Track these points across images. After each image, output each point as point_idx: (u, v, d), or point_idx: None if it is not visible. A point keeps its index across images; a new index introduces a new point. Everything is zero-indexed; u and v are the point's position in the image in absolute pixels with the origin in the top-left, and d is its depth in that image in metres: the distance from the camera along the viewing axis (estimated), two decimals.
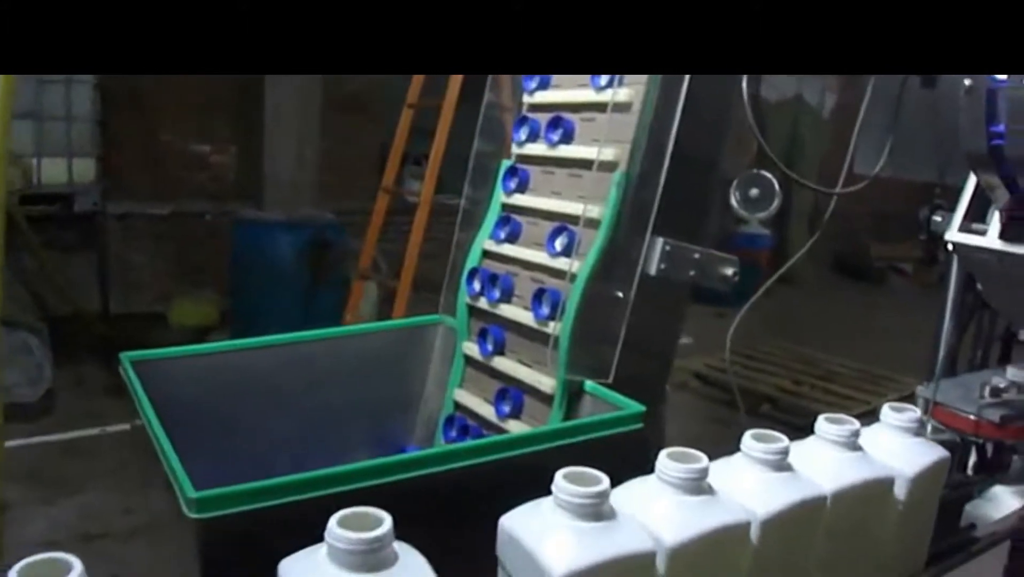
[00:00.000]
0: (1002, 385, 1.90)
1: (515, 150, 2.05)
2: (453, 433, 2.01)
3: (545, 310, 1.81)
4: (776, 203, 1.88)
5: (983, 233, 1.58)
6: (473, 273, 2.02)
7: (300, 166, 7.22)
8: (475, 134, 2.10)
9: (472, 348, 2.01)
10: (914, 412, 1.43)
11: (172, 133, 7.05)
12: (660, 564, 1.03)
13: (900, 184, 2.73)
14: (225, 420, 1.90)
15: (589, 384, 1.73)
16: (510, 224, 1.99)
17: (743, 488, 1.16)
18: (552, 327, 1.77)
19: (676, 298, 1.89)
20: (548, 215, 1.92)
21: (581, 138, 1.90)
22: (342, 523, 0.91)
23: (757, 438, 1.20)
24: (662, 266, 1.73)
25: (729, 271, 1.86)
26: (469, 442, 1.71)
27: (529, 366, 1.87)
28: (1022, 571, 1.59)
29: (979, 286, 1.94)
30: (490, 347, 1.94)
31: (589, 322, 1.73)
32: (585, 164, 1.84)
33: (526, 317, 1.86)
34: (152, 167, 6.93)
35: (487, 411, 1.94)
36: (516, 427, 1.85)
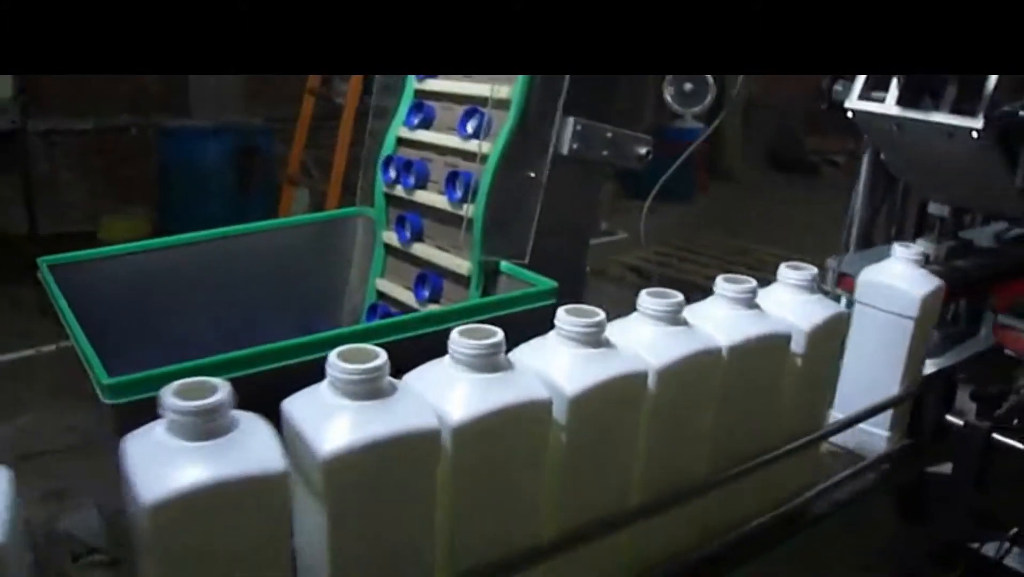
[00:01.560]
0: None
1: None
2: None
3: (458, 193, 1.82)
4: (710, 98, 1.90)
5: (882, 101, 1.62)
6: (388, 161, 2.02)
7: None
8: None
9: (391, 236, 2.02)
10: (810, 270, 1.47)
11: None
12: (560, 415, 1.07)
13: None
14: (148, 320, 1.90)
15: (505, 264, 1.75)
16: (423, 110, 1.99)
17: (640, 342, 1.19)
18: (465, 209, 1.79)
19: (591, 179, 1.90)
20: (460, 99, 1.91)
21: None
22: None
23: (652, 295, 1.23)
24: (574, 146, 1.74)
25: (643, 150, 1.87)
26: (380, 321, 1.72)
27: (446, 250, 1.89)
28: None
29: (882, 156, 1.99)
30: (408, 234, 1.95)
31: (502, 203, 1.75)
32: None
33: (441, 201, 1.87)
34: (73, 81, 6.72)
35: (408, 297, 1.96)
36: None
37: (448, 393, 1.01)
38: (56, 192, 6.64)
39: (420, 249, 1.95)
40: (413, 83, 2.03)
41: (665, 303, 1.22)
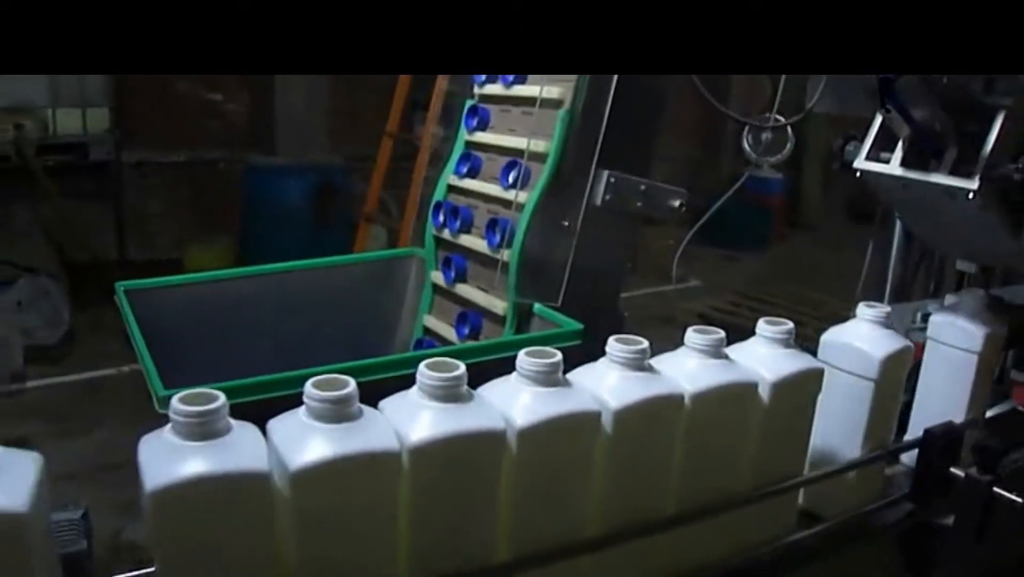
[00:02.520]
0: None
1: (476, 90, 2.18)
2: None
3: (497, 238, 1.94)
4: (789, 147, 1.94)
5: (887, 162, 1.68)
6: (438, 206, 2.17)
7: (312, 112, 7.33)
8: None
9: (438, 276, 2.16)
10: (786, 324, 1.51)
11: (185, 82, 7.17)
12: (512, 444, 1.17)
13: None
14: (215, 343, 2.05)
15: (538, 306, 1.87)
16: (471, 160, 2.13)
17: (602, 385, 1.28)
18: (502, 253, 1.92)
19: (624, 228, 1.98)
20: (503, 150, 2.05)
21: (534, 78, 2.02)
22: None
23: (619, 340, 1.32)
24: (607, 197, 1.85)
25: (676, 202, 1.95)
26: (415, 352, 1.84)
27: (485, 291, 2.02)
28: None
29: (896, 214, 2.05)
30: (452, 275, 2.09)
31: (537, 249, 1.87)
32: (540, 102, 1.96)
33: (481, 245, 2.01)
34: (166, 116, 7.06)
35: (450, 333, 2.09)
36: None
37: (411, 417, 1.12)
38: (146, 221, 6.96)
39: (463, 289, 2.08)
40: (464, 135, 2.17)
41: (630, 349, 1.29)
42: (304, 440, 1.04)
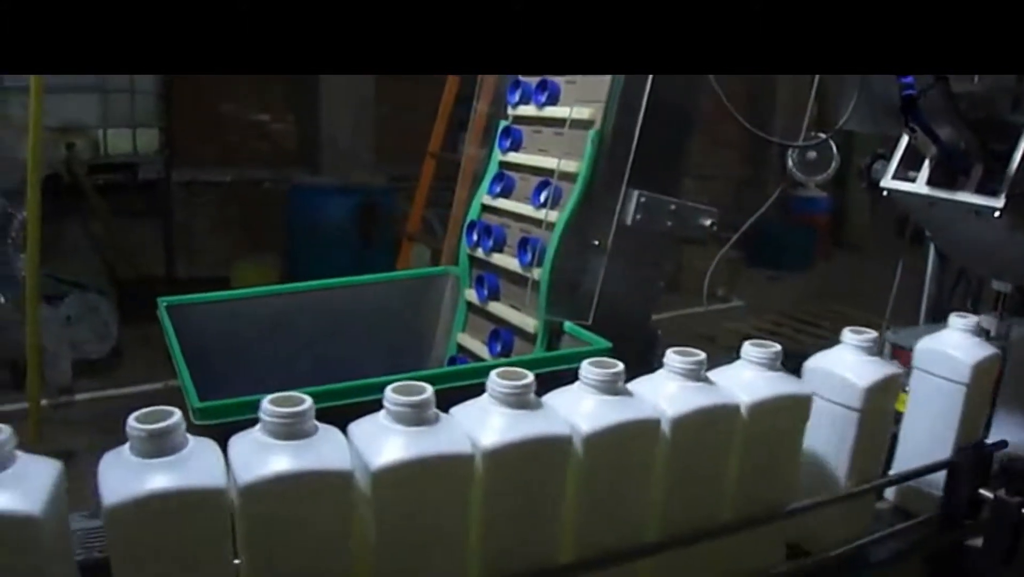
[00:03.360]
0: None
1: (510, 111, 2.21)
2: None
3: (528, 256, 1.97)
4: (834, 166, 1.94)
5: (914, 180, 1.68)
6: (472, 225, 2.20)
7: (357, 132, 7.42)
8: (475, 97, 2.26)
9: (472, 294, 2.20)
10: (775, 348, 1.45)
11: (233, 103, 7.29)
12: (578, 450, 1.20)
13: None
14: (255, 358, 2.10)
15: (568, 325, 1.89)
16: (504, 179, 2.16)
17: (659, 394, 1.31)
18: (534, 272, 1.94)
19: (655, 248, 2.00)
20: (535, 170, 2.08)
21: (565, 99, 2.05)
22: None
23: (677, 352, 1.35)
24: (638, 216, 1.87)
25: (707, 221, 1.97)
26: (448, 368, 1.86)
27: (518, 309, 2.04)
28: None
29: (927, 233, 2.04)
30: (485, 292, 2.12)
31: (567, 267, 1.89)
32: (569, 123, 1.99)
33: (513, 264, 2.03)
34: (214, 136, 7.19)
35: (483, 351, 2.11)
36: None
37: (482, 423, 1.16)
38: (193, 239, 7.07)
39: (495, 307, 2.11)
40: (498, 155, 2.21)
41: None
42: (384, 441, 1.08)
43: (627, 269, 1.91)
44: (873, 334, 1.61)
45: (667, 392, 1.32)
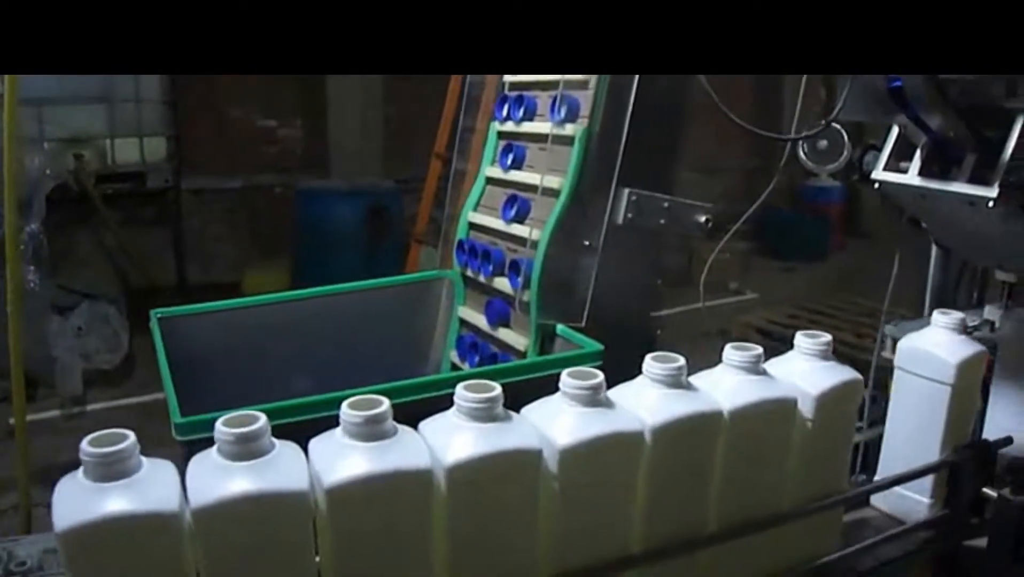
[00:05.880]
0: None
1: (496, 127, 2.20)
2: None
3: (519, 281, 1.95)
4: (845, 155, 1.91)
5: (906, 171, 1.64)
6: (461, 245, 2.18)
7: (365, 136, 7.41)
8: (461, 111, 2.24)
9: (476, 316, 2.18)
10: (824, 337, 1.48)
11: (240, 110, 7.29)
12: (554, 463, 1.17)
13: None
14: (249, 368, 2.09)
15: (560, 328, 1.86)
16: (492, 194, 2.15)
17: (639, 403, 1.27)
18: (525, 295, 1.92)
19: (650, 246, 1.99)
20: (521, 187, 2.07)
21: (543, 111, 2.03)
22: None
23: (656, 359, 1.31)
24: (629, 215, 1.84)
25: (702, 218, 1.94)
26: (440, 375, 1.84)
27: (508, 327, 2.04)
28: None
29: (922, 225, 2.00)
30: (496, 319, 2.10)
31: (556, 271, 1.87)
32: (552, 137, 1.97)
33: (505, 285, 2.02)
34: (222, 143, 7.18)
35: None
36: None
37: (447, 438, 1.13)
38: (204, 246, 7.08)
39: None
40: (486, 171, 2.18)
41: (668, 368, 1.28)
42: (338, 458, 1.06)
43: (621, 269, 1.88)
44: (961, 315, 1.67)
45: (647, 401, 1.29)
